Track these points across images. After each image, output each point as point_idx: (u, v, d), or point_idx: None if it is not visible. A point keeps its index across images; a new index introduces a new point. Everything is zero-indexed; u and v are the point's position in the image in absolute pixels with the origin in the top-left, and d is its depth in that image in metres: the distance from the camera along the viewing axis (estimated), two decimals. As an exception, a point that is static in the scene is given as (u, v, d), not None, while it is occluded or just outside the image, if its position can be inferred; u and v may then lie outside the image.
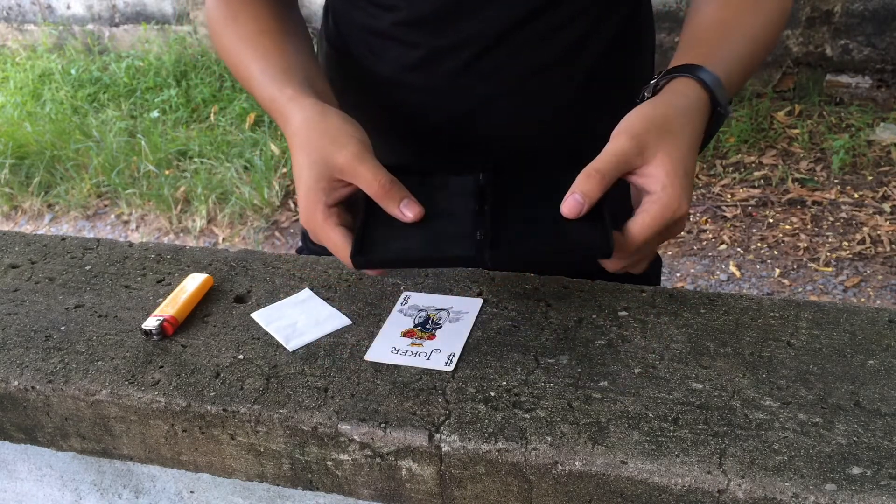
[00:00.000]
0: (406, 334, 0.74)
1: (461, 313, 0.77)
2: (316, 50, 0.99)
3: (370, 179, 0.69)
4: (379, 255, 0.67)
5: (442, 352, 0.72)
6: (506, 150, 0.90)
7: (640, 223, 0.67)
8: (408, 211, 0.69)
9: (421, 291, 0.80)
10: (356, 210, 0.73)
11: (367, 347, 0.73)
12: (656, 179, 0.67)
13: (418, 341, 0.73)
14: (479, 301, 0.77)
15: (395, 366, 0.71)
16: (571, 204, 0.66)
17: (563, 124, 0.90)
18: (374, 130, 0.92)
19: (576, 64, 0.87)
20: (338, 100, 0.96)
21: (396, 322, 0.76)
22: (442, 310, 0.77)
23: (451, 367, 0.70)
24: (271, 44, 0.83)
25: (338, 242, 0.69)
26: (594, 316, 0.76)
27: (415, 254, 0.68)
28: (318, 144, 0.72)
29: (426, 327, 0.75)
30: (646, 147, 0.68)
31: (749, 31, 0.81)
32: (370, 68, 0.91)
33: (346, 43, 0.93)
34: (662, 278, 1.19)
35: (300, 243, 1.15)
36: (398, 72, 0.89)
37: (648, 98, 0.75)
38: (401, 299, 0.79)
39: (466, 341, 0.73)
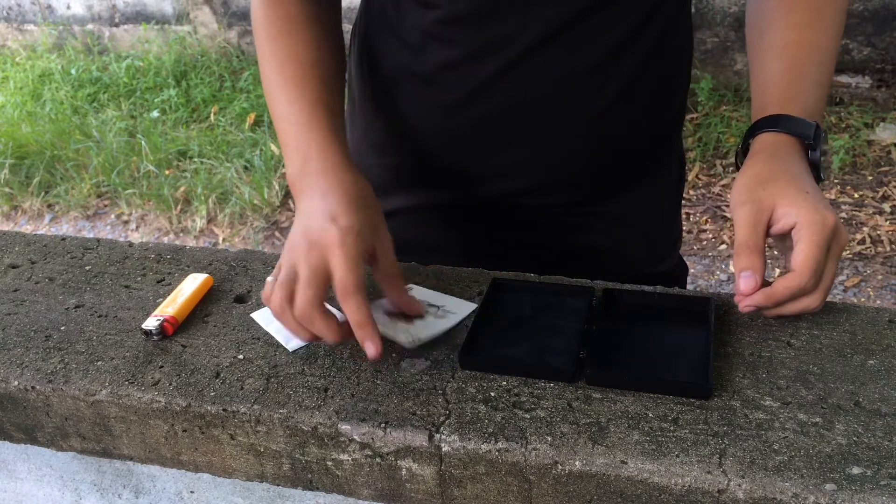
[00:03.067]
0: (390, 315, 0.75)
1: (449, 313, 0.76)
2: (348, 47, 0.97)
3: (397, 265, 0.75)
4: (483, 359, 0.71)
5: (410, 333, 0.73)
6: (542, 152, 0.89)
7: (801, 252, 0.69)
8: (414, 308, 0.75)
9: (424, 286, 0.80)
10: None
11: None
12: (788, 214, 0.71)
13: (395, 321, 0.74)
14: (473, 305, 0.77)
15: (393, 360, 0.71)
16: (744, 282, 0.70)
17: (603, 127, 0.88)
18: (406, 130, 0.91)
19: (618, 67, 0.85)
20: (368, 98, 0.95)
21: (386, 306, 0.77)
22: (433, 306, 0.77)
23: (412, 347, 0.72)
24: (317, 77, 0.83)
25: (360, 273, 0.70)
26: (594, 316, 0.75)
27: (516, 362, 0.71)
28: (371, 209, 0.75)
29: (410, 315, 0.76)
30: (761, 201, 0.72)
31: (816, 51, 0.82)
32: (406, 67, 0.90)
33: (381, 40, 0.92)
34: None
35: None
36: (436, 70, 0.87)
37: (741, 161, 0.81)
38: None
39: (440, 337, 0.74)
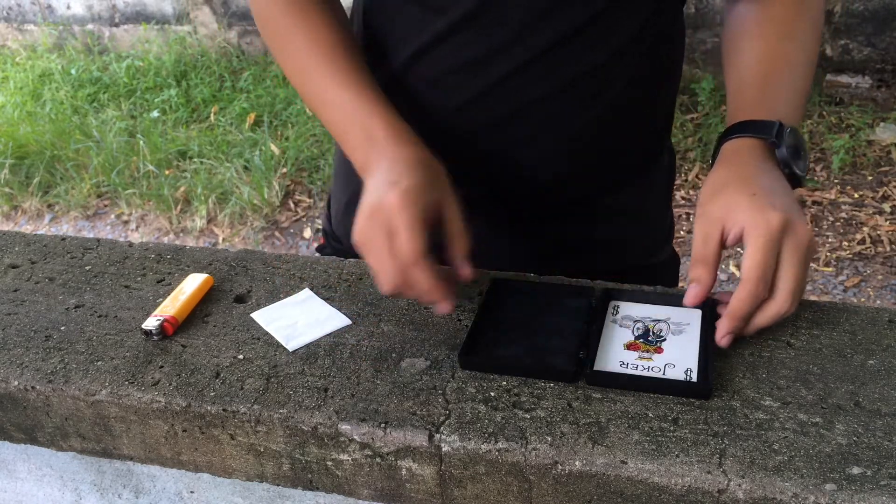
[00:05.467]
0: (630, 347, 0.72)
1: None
2: None
3: (462, 227, 0.75)
4: (483, 360, 0.71)
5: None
6: (546, 152, 0.89)
7: (746, 258, 0.69)
8: (467, 270, 0.74)
9: None
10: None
11: (367, 346, 0.73)
12: (736, 222, 0.71)
13: (646, 355, 0.71)
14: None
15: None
16: (689, 291, 0.72)
17: (604, 126, 0.89)
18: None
19: (619, 68, 0.86)
20: None
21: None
22: (660, 321, 0.75)
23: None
24: (349, 57, 0.85)
25: (418, 239, 0.70)
26: (594, 316, 0.75)
27: (516, 363, 0.71)
28: (435, 174, 0.76)
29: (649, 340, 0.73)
30: (711, 214, 0.73)
31: (788, 62, 0.84)
32: (410, 70, 0.90)
33: (383, 43, 0.92)
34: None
35: (319, 241, 1.14)
36: (441, 74, 0.87)
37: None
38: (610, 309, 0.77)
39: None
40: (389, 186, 0.72)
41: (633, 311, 0.76)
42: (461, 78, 0.86)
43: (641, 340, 0.72)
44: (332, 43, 0.85)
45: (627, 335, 0.73)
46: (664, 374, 0.67)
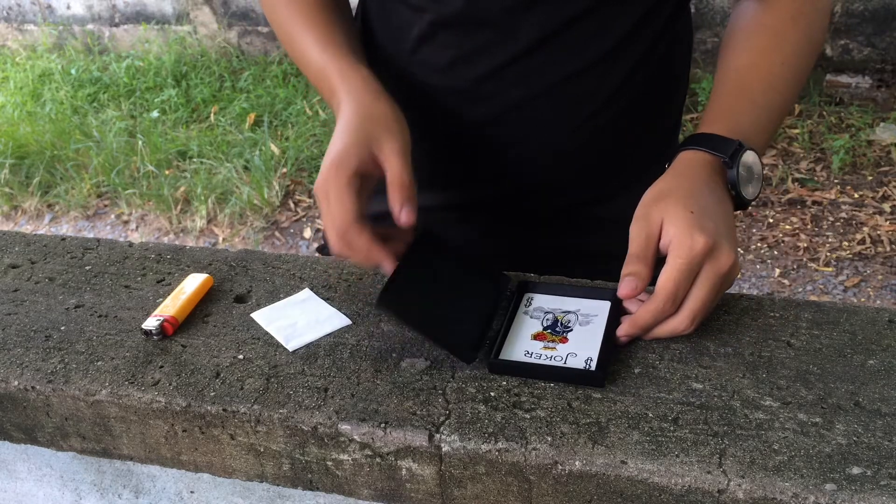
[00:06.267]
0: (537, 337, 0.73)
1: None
2: None
3: (398, 171, 0.75)
4: (399, 312, 0.71)
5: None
6: (535, 156, 0.88)
7: (662, 274, 0.69)
8: (404, 215, 0.74)
9: None
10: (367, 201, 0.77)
11: (367, 346, 0.73)
12: (667, 233, 0.71)
13: (551, 345, 0.72)
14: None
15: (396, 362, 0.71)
16: (624, 284, 0.70)
17: (594, 132, 0.87)
18: None
19: (609, 72, 0.84)
20: None
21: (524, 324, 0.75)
22: (570, 312, 0.76)
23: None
24: (324, 18, 0.88)
25: (346, 204, 0.73)
26: (594, 316, 0.75)
27: (426, 327, 0.71)
28: (371, 122, 0.77)
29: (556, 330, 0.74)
30: (651, 217, 0.72)
31: (766, 76, 0.81)
32: (397, 69, 0.90)
33: (376, 41, 0.92)
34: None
35: (319, 241, 1.14)
36: (426, 73, 0.87)
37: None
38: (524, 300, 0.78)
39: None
40: (327, 155, 0.75)
41: (546, 303, 0.77)
42: (444, 78, 0.86)
43: (549, 331, 0.73)
44: (311, 9, 0.88)
45: (536, 325, 0.74)
46: (565, 363, 0.69)
